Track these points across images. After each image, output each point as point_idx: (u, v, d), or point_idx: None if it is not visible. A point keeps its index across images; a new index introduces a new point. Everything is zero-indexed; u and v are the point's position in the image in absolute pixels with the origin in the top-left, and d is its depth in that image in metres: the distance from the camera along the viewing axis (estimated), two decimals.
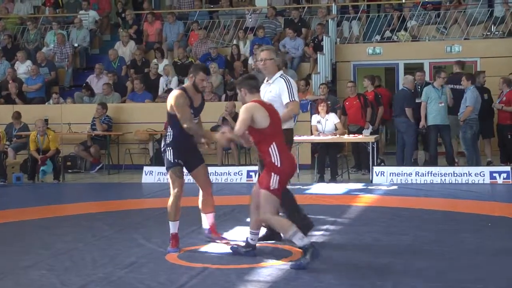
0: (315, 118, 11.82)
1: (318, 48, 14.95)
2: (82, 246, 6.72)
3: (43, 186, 12.14)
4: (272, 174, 5.68)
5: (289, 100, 6.50)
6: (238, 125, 5.72)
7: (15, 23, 18.00)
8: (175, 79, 14.73)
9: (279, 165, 5.67)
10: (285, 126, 6.25)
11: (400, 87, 13.85)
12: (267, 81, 6.69)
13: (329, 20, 15.60)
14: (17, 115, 13.93)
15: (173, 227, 6.42)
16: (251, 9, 16.99)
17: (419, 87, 12.53)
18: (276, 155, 5.67)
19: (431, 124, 11.83)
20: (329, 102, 12.08)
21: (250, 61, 15.11)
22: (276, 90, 6.56)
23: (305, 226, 6.42)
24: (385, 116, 13.07)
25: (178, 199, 6.40)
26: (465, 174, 10.98)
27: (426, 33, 15.70)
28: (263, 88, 6.63)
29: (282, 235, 6.23)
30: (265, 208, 5.69)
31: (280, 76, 6.64)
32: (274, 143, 5.69)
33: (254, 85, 5.91)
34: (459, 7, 15.91)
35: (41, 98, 15.25)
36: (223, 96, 14.39)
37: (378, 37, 15.79)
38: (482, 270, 5.54)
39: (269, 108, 5.83)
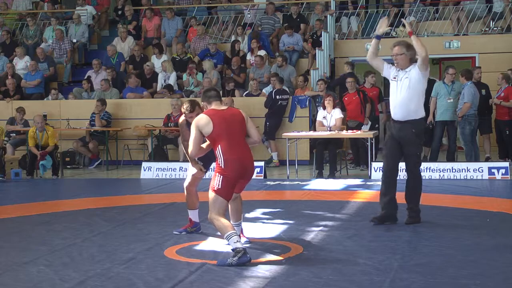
0: (321, 113, 11.80)
1: (317, 43, 14.92)
2: (80, 242, 6.71)
3: (41, 182, 12.12)
4: (217, 174, 5.88)
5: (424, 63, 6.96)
6: (190, 146, 5.99)
7: (14, 18, 17.96)
8: (173, 75, 14.71)
9: (222, 166, 5.85)
10: (418, 116, 7.04)
11: None
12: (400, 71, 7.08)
13: (328, 16, 15.57)
14: (22, 111, 13.88)
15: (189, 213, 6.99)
16: (249, 5, 16.95)
17: None
18: (221, 157, 5.87)
19: (439, 119, 11.85)
20: (336, 98, 12.05)
21: (249, 56, 15.08)
22: (413, 74, 6.99)
23: (388, 217, 7.18)
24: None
25: (186, 191, 6.92)
26: (463, 170, 10.96)
27: (424, 28, 15.67)
28: (399, 78, 7.06)
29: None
30: (211, 209, 5.84)
31: (413, 67, 7.04)
32: (219, 146, 5.88)
33: (211, 95, 6.14)
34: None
35: (39, 94, 15.23)
36: (221, 92, 14.38)
37: None
38: (480, 265, 5.53)
39: (217, 113, 5.98)
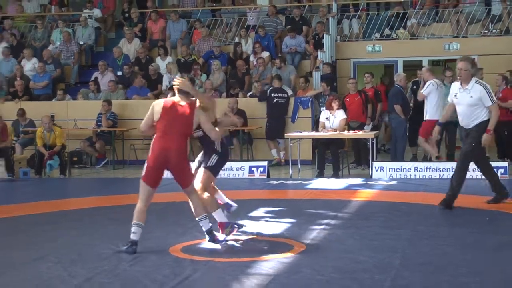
0: (324, 114, 11.78)
1: (318, 45, 14.93)
2: (88, 240, 6.72)
3: (49, 181, 12.14)
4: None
5: (491, 103, 7.80)
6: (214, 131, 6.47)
7: (24, 21, 17.98)
8: (178, 77, 14.69)
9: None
10: (480, 120, 7.85)
11: None
12: (463, 87, 7.86)
13: (330, 18, 15.57)
14: (22, 112, 13.95)
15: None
16: (252, 8, 16.97)
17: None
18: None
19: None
20: (340, 99, 12.08)
21: (252, 58, 15.09)
22: (476, 95, 7.76)
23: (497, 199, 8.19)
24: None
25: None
26: None
27: (425, 31, 15.67)
28: (460, 93, 7.88)
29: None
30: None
31: (475, 82, 7.83)
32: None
33: None
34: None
35: (47, 95, 15.26)
36: (224, 93, 14.39)
37: (377, 35, 15.77)
38: (479, 264, 5.53)
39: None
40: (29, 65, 15.89)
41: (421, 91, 11.41)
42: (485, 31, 15.41)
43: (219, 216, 6.54)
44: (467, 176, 10.71)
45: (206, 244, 6.33)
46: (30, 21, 17.83)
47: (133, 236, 6.04)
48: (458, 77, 7.93)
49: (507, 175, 10.70)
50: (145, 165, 6.30)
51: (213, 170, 6.63)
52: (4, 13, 18.35)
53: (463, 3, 15.94)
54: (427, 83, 11.32)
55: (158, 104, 6.35)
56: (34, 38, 17.18)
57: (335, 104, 11.56)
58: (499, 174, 10.63)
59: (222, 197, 6.97)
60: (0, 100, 14.92)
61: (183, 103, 6.26)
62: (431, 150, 11.51)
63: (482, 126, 7.89)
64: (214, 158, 6.61)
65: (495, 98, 7.99)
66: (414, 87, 12.57)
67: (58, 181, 12.12)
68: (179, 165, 6.20)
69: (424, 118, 11.50)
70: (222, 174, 11.55)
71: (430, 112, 11.31)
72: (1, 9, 18.66)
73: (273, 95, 13.31)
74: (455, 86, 8.07)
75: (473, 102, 7.82)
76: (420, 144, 11.62)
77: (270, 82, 14.01)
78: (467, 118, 7.94)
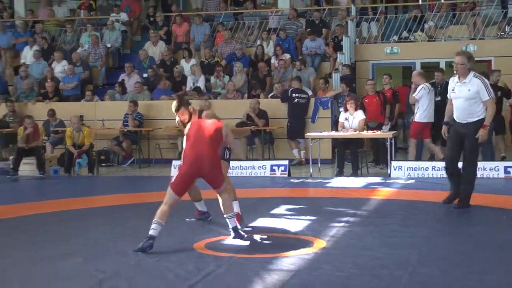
0: (343, 114, 11.74)
1: (338, 47, 14.88)
2: (115, 236, 6.77)
3: (78, 179, 12.25)
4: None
5: (488, 98, 7.57)
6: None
7: (54, 25, 18.16)
8: (202, 78, 14.77)
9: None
10: (478, 117, 7.62)
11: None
12: (461, 81, 7.63)
13: (349, 21, 15.51)
14: (52, 113, 14.12)
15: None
16: (274, 11, 16.95)
17: (438, 86, 12.39)
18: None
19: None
20: (358, 100, 12.04)
21: (273, 60, 15.09)
22: (474, 88, 7.55)
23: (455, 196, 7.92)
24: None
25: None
26: (480, 169, 10.69)
27: (442, 33, 15.54)
28: (458, 87, 7.65)
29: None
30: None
31: (473, 76, 7.60)
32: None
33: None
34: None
35: (76, 96, 15.40)
36: (246, 94, 14.40)
37: (395, 37, 15.68)
38: (496, 262, 5.48)
39: None
40: (59, 67, 16.05)
41: (413, 95, 11.35)
42: (502, 33, 15.25)
43: (236, 206, 6.84)
44: (484, 176, 10.75)
45: (230, 240, 6.35)
46: (60, 25, 18.01)
47: (152, 232, 6.00)
48: (455, 71, 7.68)
49: None
50: (177, 172, 6.28)
51: (229, 161, 7.17)
52: (35, 17, 18.57)
53: (480, 6, 15.78)
54: (419, 87, 11.26)
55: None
56: (64, 42, 17.35)
57: (349, 105, 11.52)
58: None
59: (203, 206, 7.44)
60: (32, 101, 15.11)
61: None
62: (436, 151, 11.45)
63: (479, 126, 7.65)
64: (227, 152, 7.05)
65: (492, 93, 7.71)
66: (432, 88, 12.47)
67: (87, 179, 12.23)
68: (212, 172, 6.29)
69: (413, 119, 11.47)
70: (245, 172, 11.69)
71: (420, 115, 11.26)
72: (32, 14, 18.88)
73: (294, 95, 13.30)
74: (453, 81, 7.84)
75: (471, 95, 7.57)
76: (410, 145, 11.53)
77: (290, 84, 14.00)
78: (464, 112, 7.67)
